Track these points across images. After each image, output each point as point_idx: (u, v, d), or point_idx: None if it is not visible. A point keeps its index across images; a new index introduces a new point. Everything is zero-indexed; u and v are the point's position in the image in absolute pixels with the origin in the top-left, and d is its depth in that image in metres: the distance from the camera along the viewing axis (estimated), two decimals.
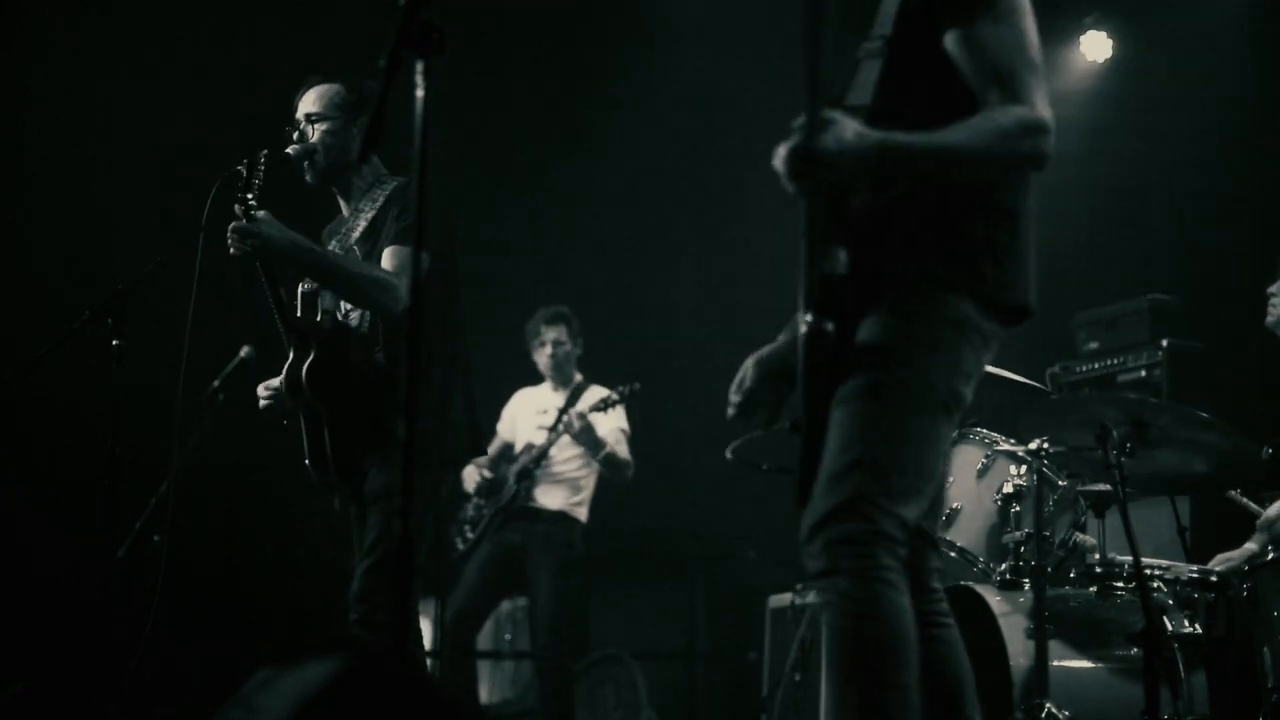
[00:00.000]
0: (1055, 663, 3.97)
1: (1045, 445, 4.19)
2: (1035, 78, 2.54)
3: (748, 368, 2.77)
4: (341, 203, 4.09)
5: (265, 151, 3.80)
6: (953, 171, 2.52)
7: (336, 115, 4.00)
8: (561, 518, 6.11)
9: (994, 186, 2.60)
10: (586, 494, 6.22)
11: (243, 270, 3.82)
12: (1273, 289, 4.49)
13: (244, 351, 4.96)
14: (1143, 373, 5.87)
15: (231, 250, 3.74)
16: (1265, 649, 3.80)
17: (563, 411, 6.15)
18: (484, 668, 7.17)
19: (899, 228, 2.55)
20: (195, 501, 4.56)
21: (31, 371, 4.13)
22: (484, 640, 6.91)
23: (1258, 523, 4.35)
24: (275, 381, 3.94)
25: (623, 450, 6.17)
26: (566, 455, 6.16)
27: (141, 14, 6.51)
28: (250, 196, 3.73)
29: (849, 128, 2.40)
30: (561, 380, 6.30)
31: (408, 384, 2.10)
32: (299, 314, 3.94)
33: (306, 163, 3.99)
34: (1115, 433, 3.83)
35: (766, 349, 2.79)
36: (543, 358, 6.29)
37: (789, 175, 2.40)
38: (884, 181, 2.53)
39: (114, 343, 4.00)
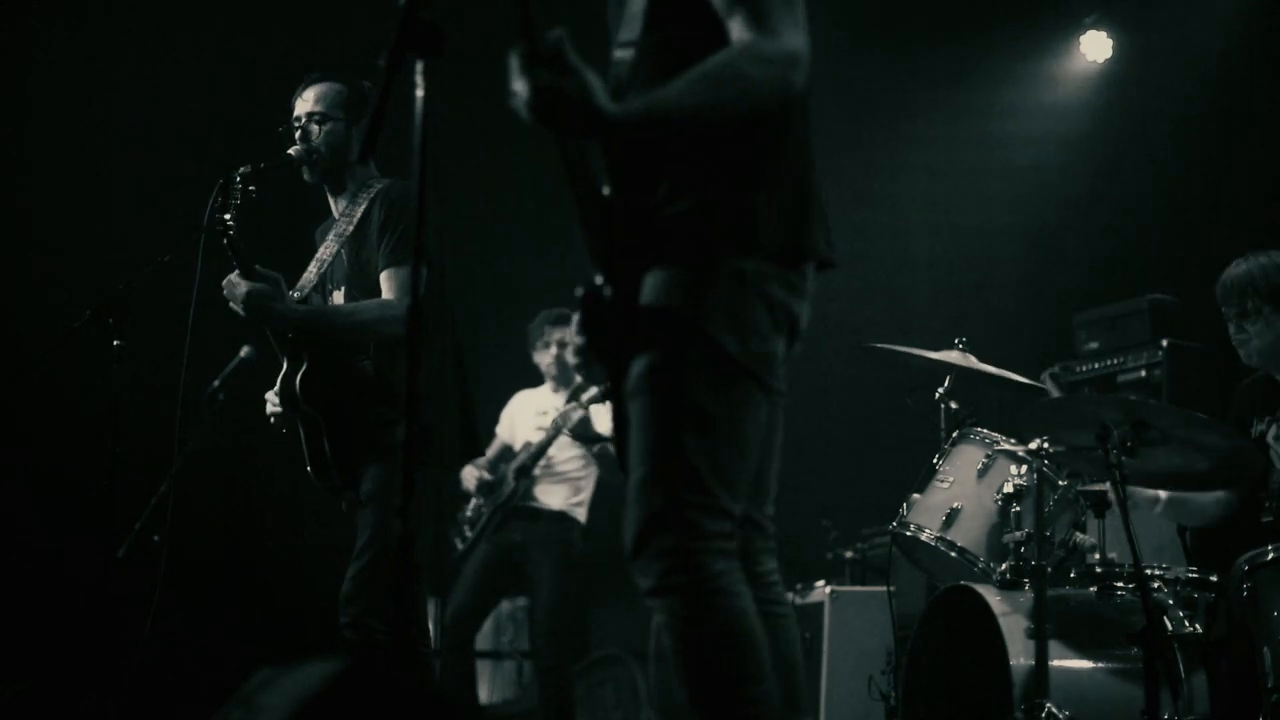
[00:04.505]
0: (1055, 663, 3.97)
1: (1045, 445, 4.19)
2: (783, 3, 2.29)
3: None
4: (331, 202, 4.09)
5: (242, 169, 3.78)
6: (691, 123, 2.26)
7: (340, 115, 3.99)
8: (561, 518, 6.10)
9: (761, 120, 2.36)
10: (586, 494, 6.22)
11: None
12: (1239, 330, 4.42)
13: (244, 351, 4.97)
14: (1143, 373, 5.87)
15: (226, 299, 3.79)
16: (1265, 649, 3.80)
17: None
18: (484, 668, 7.17)
19: (664, 174, 2.37)
20: (195, 501, 4.55)
21: (31, 371, 4.13)
22: (484, 640, 6.91)
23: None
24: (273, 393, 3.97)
25: None
26: (567, 455, 6.16)
27: (142, 13, 6.51)
28: (228, 217, 3.73)
29: (599, 89, 2.22)
30: (563, 382, 6.29)
31: (408, 384, 2.10)
32: None
33: (307, 163, 3.99)
34: (1115, 432, 3.84)
35: None
36: (547, 359, 6.28)
37: (539, 118, 2.19)
38: (628, 144, 2.36)
39: (114, 343, 4.01)
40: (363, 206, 3.96)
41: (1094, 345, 6.19)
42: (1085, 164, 7.06)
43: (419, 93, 2.16)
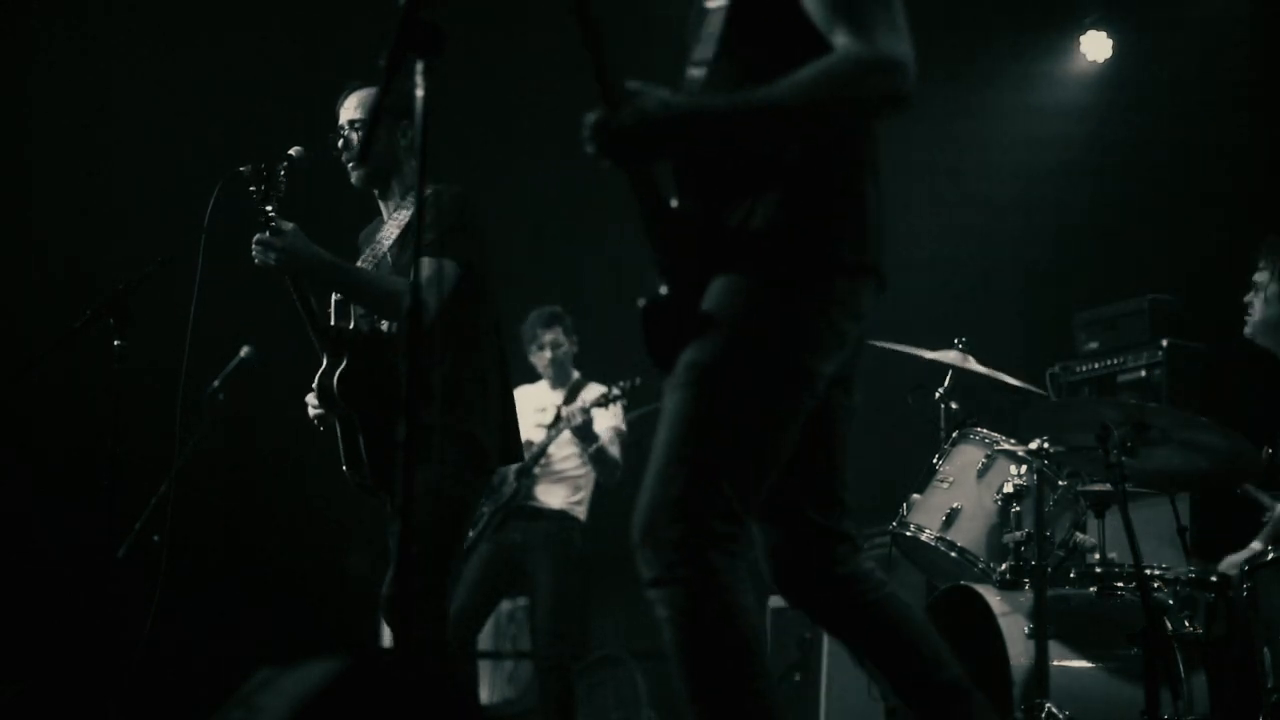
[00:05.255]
0: (1055, 663, 3.97)
1: (1046, 445, 4.19)
2: (886, 13, 2.32)
3: None
4: (381, 206, 4.10)
5: (285, 161, 3.75)
6: (784, 129, 2.33)
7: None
8: (562, 517, 6.10)
9: (838, 137, 2.42)
10: (586, 493, 6.22)
11: (244, 272, 3.82)
12: (1249, 298, 4.46)
13: (244, 351, 4.97)
14: (1143, 373, 5.87)
15: (256, 262, 3.70)
16: (1265, 649, 3.80)
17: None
18: (484, 668, 7.17)
19: (737, 185, 2.40)
20: (195, 501, 4.55)
21: (32, 371, 4.13)
22: (484, 640, 6.90)
23: (1265, 518, 4.33)
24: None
25: (615, 450, 6.17)
26: (566, 453, 6.16)
27: (142, 13, 6.51)
28: (270, 209, 3.69)
29: (652, 99, 2.30)
30: (560, 380, 6.30)
31: (408, 385, 2.10)
32: (333, 321, 3.93)
33: (351, 167, 3.99)
34: (1115, 432, 3.84)
35: None
36: (542, 361, 6.30)
37: (594, 152, 2.30)
38: (709, 149, 2.38)
39: (115, 342, 4.00)
40: (409, 210, 3.97)
41: (1094, 345, 6.19)
42: (1085, 164, 7.05)
43: (419, 93, 2.16)
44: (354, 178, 4.02)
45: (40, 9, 6.49)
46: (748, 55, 2.40)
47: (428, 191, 3.95)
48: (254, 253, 3.70)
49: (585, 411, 5.97)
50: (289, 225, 3.70)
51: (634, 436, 6.36)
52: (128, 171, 6.35)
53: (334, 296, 3.94)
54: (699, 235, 2.39)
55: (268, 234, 3.68)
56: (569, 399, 6.21)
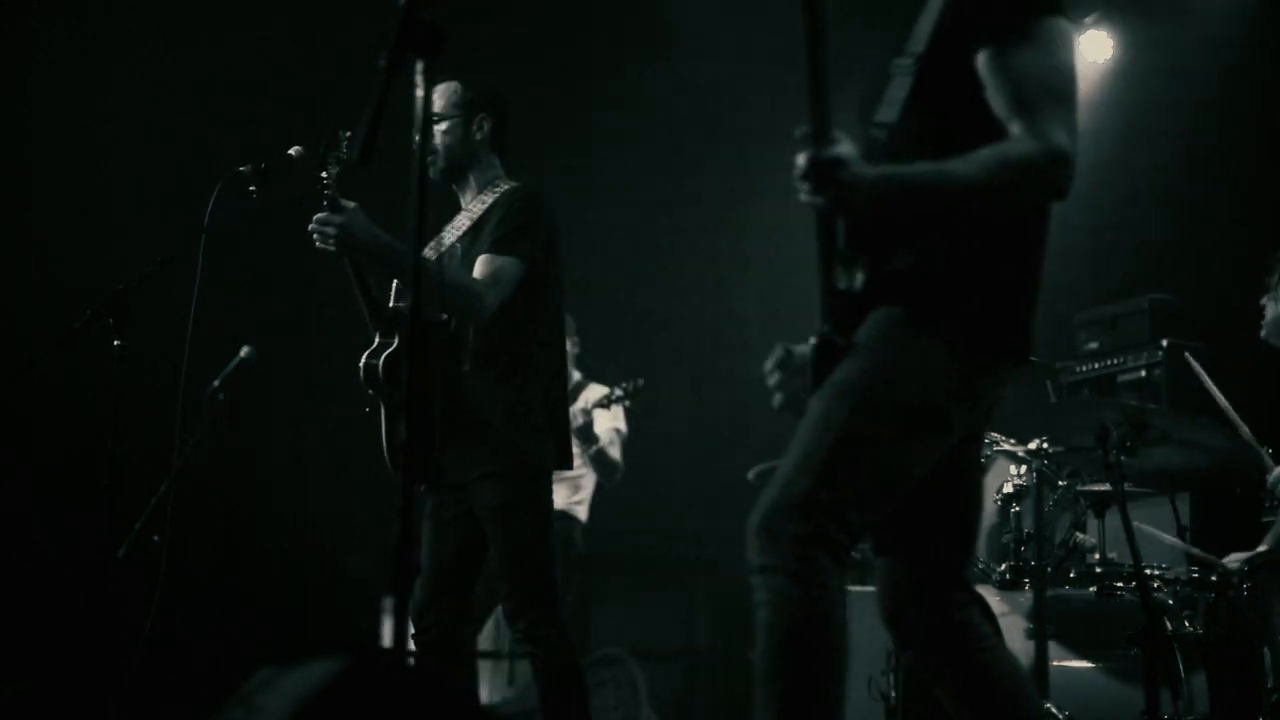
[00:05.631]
0: (1055, 663, 3.97)
1: (1045, 445, 4.19)
2: (1061, 108, 2.47)
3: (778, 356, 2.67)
4: (461, 199, 4.09)
5: (348, 133, 3.69)
6: (957, 205, 2.48)
7: (456, 114, 3.98)
8: (562, 516, 6.09)
9: (1027, 216, 2.62)
10: (586, 493, 6.22)
11: (244, 272, 3.81)
12: (1265, 300, 4.51)
13: (244, 351, 4.97)
14: (1143, 373, 5.87)
15: (314, 241, 3.66)
16: (1265, 649, 3.80)
17: None
18: (484, 668, 7.17)
19: (906, 238, 2.53)
20: (195, 501, 4.55)
21: (32, 371, 4.13)
22: (484, 640, 6.90)
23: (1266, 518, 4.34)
24: None
25: (615, 451, 6.16)
26: None
27: (142, 13, 6.51)
28: (325, 176, 3.65)
29: (864, 167, 2.39)
30: None
31: (408, 384, 2.11)
32: (392, 302, 3.88)
33: (430, 163, 3.96)
34: (1115, 432, 3.84)
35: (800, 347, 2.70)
36: None
37: (813, 185, 2.35)
38: (890, 211, 2.50)
39: (114, 343, 4.00)
40: (486, 204, 3.95)
41: (1094, 345, 6.19)
42: (1085, 163, 7.03)
43: (419, 93, 2.16)
44: (431, 172, 3.98)
45: (40, 9, 6.48)
46: (929, 124, 2.52)
47: (504, 188, 3.98)
48: (311, 231, 3.66)
49: (586, 413, 5.97)
50: (351, 204, 3.67)
51: (653, 437, 6.38)
52: (128, 171, 6.35)
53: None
54: (867, 282, 2.50)
55: (326, 212, 3.64)
56: (570, 400, 6.20)
